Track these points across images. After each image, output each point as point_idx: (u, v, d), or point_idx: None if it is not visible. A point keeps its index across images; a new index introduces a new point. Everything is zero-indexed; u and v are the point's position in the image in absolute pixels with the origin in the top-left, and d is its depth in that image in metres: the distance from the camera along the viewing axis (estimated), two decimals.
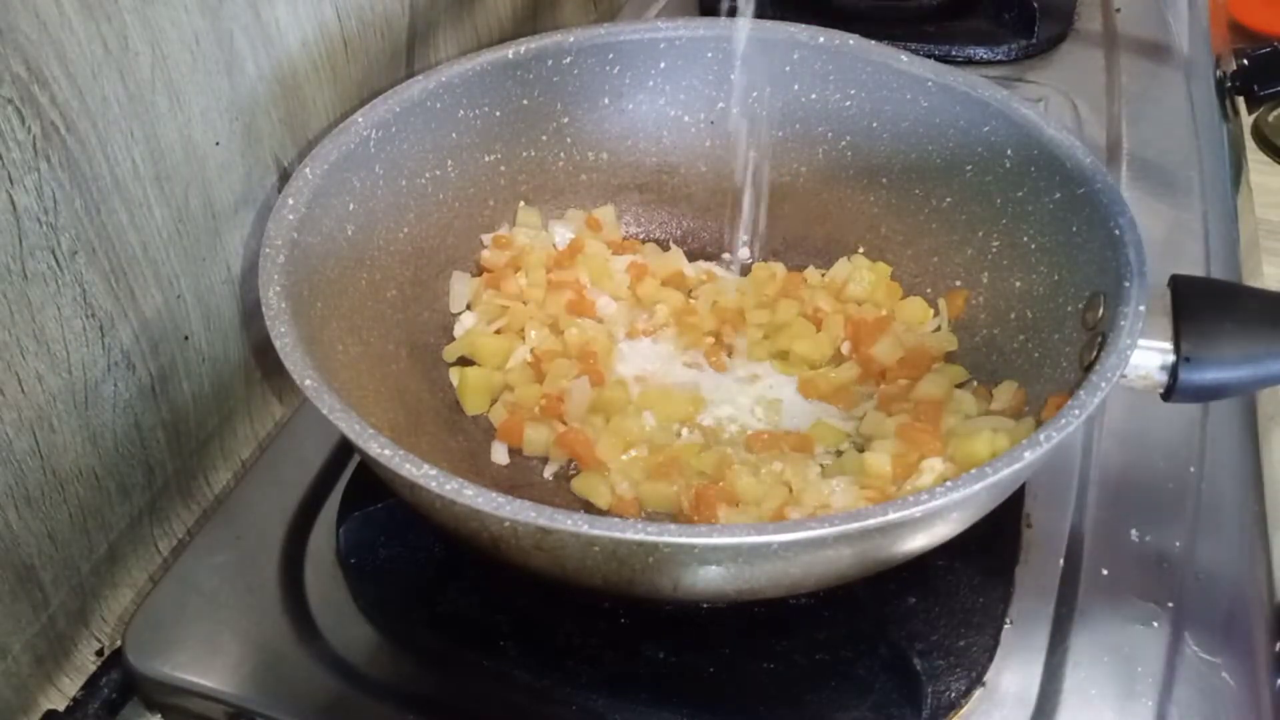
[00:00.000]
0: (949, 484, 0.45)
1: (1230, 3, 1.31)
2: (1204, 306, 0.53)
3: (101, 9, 0.49)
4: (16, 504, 0.51)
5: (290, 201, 0.57)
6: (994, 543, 0.57)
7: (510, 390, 0.66)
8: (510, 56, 0.69)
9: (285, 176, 0.65)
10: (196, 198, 0.58)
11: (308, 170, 0.59)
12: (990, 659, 0.53)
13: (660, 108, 0.75)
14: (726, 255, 0.76)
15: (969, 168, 0.67)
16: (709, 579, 0.47)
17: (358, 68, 0.70)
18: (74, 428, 0.53)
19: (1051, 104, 0.92)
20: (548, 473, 0.63)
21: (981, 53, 0.97)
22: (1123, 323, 0.51)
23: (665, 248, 0.75)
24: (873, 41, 0.70)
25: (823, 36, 0.71)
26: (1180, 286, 0.54)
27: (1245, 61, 0.98)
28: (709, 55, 0.73)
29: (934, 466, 0.58)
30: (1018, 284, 0.63)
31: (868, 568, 0.50)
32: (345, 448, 0.64)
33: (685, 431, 0.64)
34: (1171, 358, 0.52)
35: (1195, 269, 0.76)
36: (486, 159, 0.71)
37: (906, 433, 0.60)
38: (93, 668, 0.57)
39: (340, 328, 0.59)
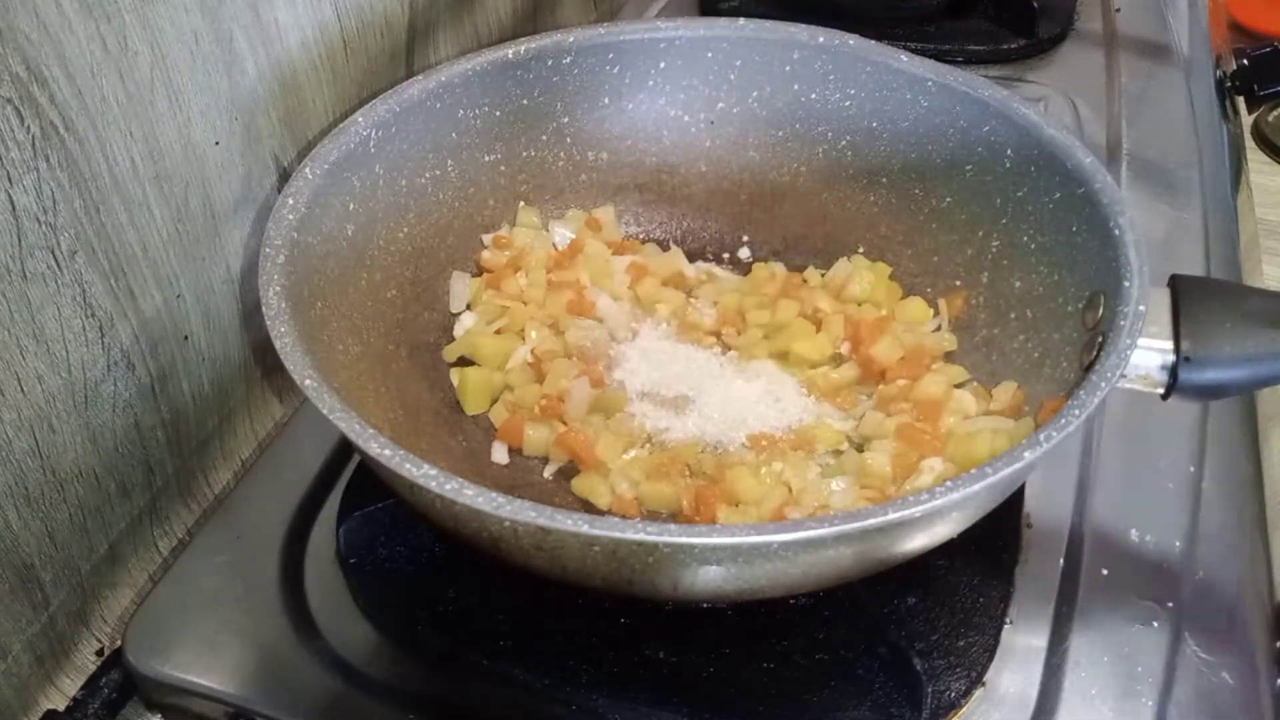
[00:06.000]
0: (949, 484, 0.45)
1: (1230, 3, 1.32)
2: (1204, 306, 0.53)
3: (101, 9, 0.49)
4: (16, 504, 0.51)
5: (290, 201, 0.57)
6: (994, 543, 0.57)
7: (510, 390, 0.66)
8: (510, 56, 0.69)
9: (285, 176, 0.65)
10: (196, 197, 0.58)
11: (308, 170, 0.59)
12: (990, 659, 0.53)
13: (660, 108, 0.74)
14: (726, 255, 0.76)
15: (969, 167, 0.67)
16: (709, 579, 0.47)
17: (357, 68, 0.70)
18: (74, 428, 0.53)
19: (1051, 104, 0.92)
20: (548, 473, 0.63)
21: (981, 52, 0.98)
22: (1123, 322, 0.51)
23: (665, 248, 0.75)
24: (873, 41, 0.70)
25: (823, 36, 0.71)
26: (1180, 286, 0.54)
27: (1245, 61, 0.98)
28: (709, 55, 0.73)
29: (934, 466, 0.58)
30: (1018, 284, 0.63)
31: (868, 568, 0.50)
32: (345, 448, 0.64)
33: (684, 432, 0.64)
34: (1171, 358, 0.52)
35: (1195, 269, 0.76)
36: (486, 159, 0.71)
37: (906, 433, 0.60)
38: (93, 668, 0.57)
39: (340, 328, 0.59)
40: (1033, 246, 0.63)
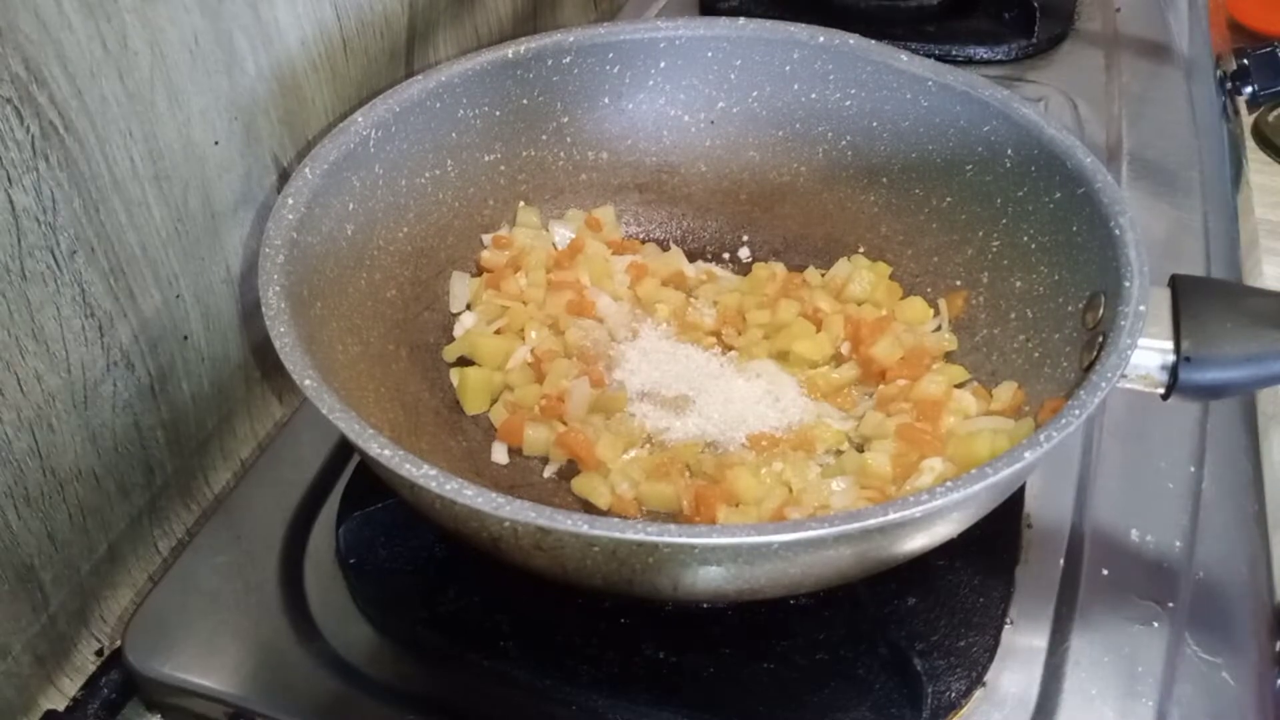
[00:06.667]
0: (949, 484, 0.45)
1: (1230, 3, 1.31)
2: (1204, 306, 0.53)
3: (101, 8, 0.49)
4: (16, 504, 0.51)
5: (290, 201, 0.57)
6: (994, 543, 0.57)
7: (510, 390, 0.66)
8: (510, 56, 0.69)
9: (285, 176, 0.65)
10: (196, 197, 0.58)
11: (307, 170, 0.59)
12: (990, 659, 0.53)
13: (660, 107, 0.74)
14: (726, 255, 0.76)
15: (969, 167, 0.67)
16: (709, 579, 0.47)
17: (357, 67, 0.70)
18: (73, 427, 0.53)
19: (1052, 104, 0.92)
20: (548, 473, 0.63)
21: (981, 52, 0.98)
22: (1123, 322, 0.51)
23: (665, 248, 0.75)
24: (873, 41, 0.70)
25: (822, 36, 0.71)
26: (1180, 286, 0.54)
27: (1245, 61, 0.98)
28: (709, 55, 0.73)
29: (934, 466, 0.58)
30: (1018, 284, 0.63)
31: (868, 568, 0.50)
32: (345, 448, 0.64)
33: (684, 432, 0.64)
34: (1172, 358, 0.52)
35: (1195, 269, 0.76)
36: (486, 159, 0.71)
37: (906, 433, 0.60)
38: (93, 668, 0.57)
39: (340, 328, 0.59)
40: (1033, 246, 0.63)
